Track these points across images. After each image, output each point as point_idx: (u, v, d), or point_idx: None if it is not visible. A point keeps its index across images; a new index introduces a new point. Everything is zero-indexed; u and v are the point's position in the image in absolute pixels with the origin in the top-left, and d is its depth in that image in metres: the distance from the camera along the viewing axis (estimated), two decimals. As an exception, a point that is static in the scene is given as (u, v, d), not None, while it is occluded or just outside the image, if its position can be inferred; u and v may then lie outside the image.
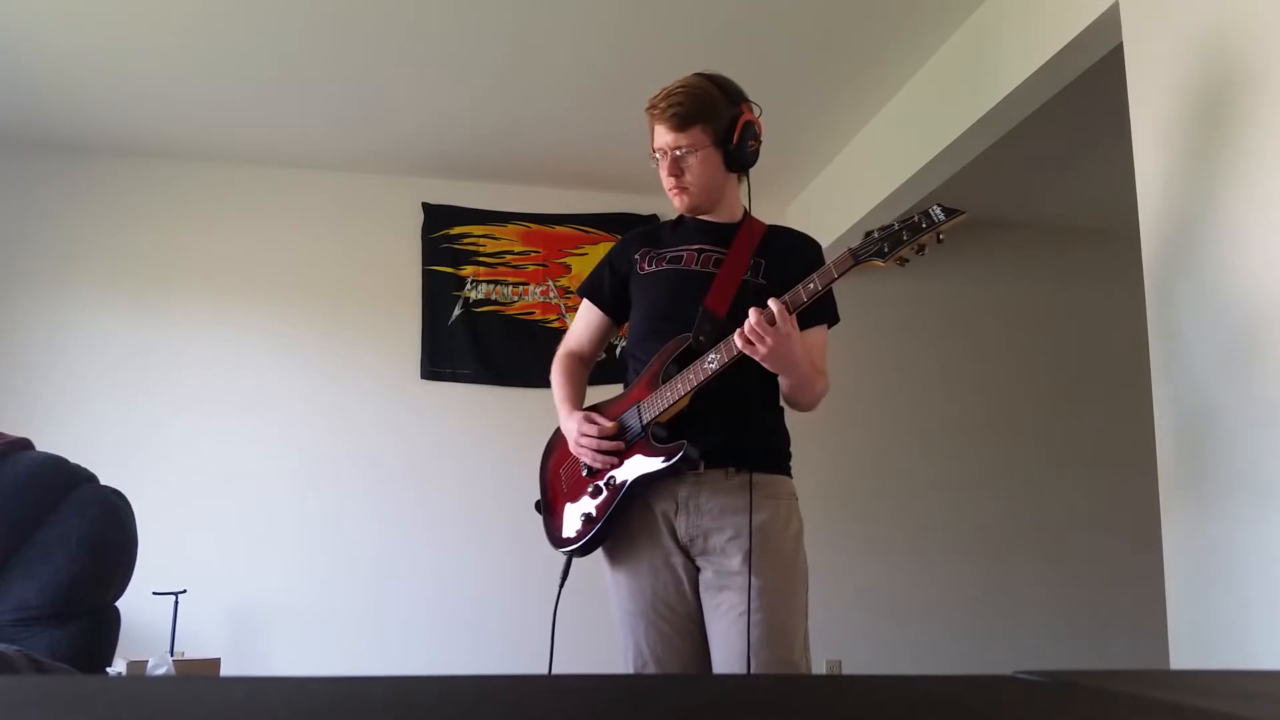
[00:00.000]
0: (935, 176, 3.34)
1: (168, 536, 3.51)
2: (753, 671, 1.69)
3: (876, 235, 1.68)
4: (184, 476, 3.77)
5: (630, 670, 1.85)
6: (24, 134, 3.76)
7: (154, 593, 3.30)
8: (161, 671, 2.49)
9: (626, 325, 2.06)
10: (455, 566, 3.94)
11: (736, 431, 1.82)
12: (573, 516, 1.89)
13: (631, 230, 2.10)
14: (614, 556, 1.88)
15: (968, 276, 4.56)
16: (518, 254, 4.27)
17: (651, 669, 1.82)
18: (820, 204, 4.03)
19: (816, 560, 1.92)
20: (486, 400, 4.11)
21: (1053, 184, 4.22)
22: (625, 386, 1.94)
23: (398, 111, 3.63)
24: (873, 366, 4.33)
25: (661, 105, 1.86)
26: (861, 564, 4.21)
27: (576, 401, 2.01)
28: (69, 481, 2.19)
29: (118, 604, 2.23)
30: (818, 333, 1.88)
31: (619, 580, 1.87)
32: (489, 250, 4.25)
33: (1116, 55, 2.30)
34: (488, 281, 4.22)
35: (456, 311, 4.16)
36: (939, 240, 1.66)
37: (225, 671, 3.14)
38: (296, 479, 3.89)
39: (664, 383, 1.80)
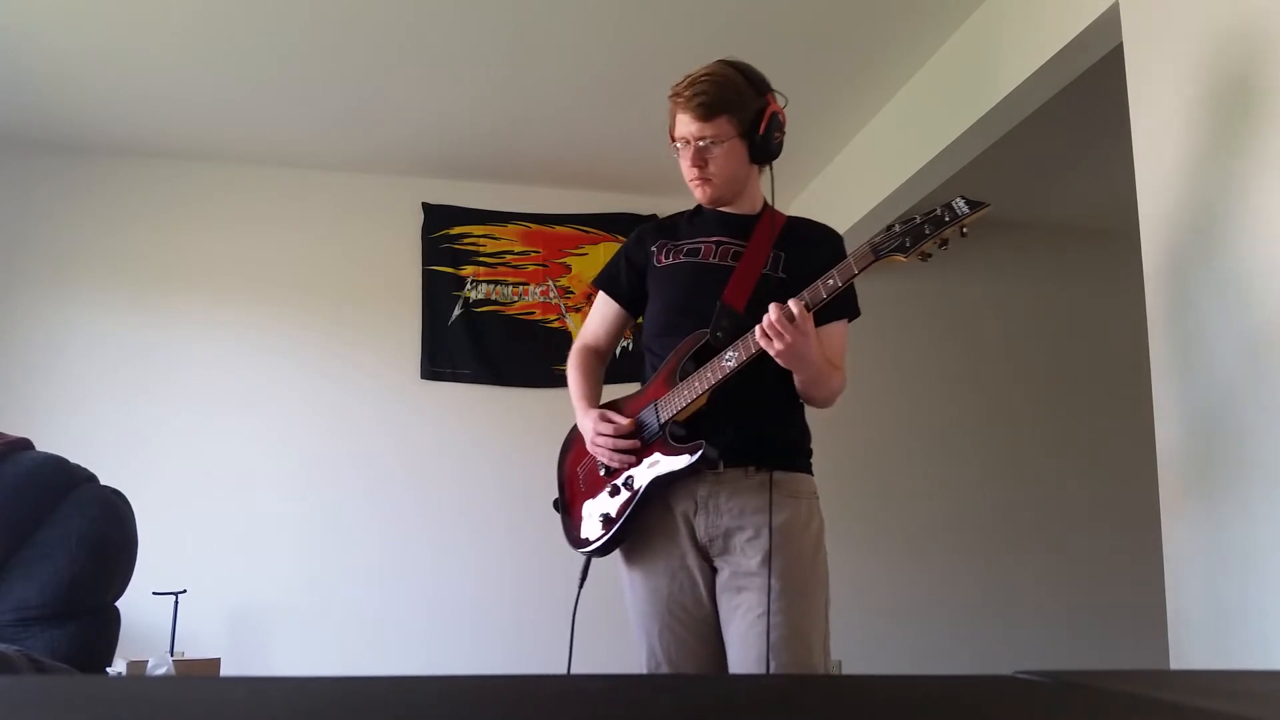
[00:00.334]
0: (935, 176, 3.34)
1: (168, 536, 3.51)
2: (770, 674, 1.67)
3: (898, 229, 1.64)
4: (184, 476, 3.77)
5: (645, 672, 1.83)
6: (24, 134, 3.76)
7: (154, 593, 3.30)
8: (161, 671, 2.49)
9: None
10: (455, 566, 3.94)
11: (756, 429, 1.79)
12: (591, 516, 1.86)
13: (646, 222, 2.05)
14: (631, 557, 1.86)
15: (968, 276, 4.56)
16: (518, 254, 4.27)
17: (665, 670, 1.80)
18: (820, 204, 4.03)
19: (816, 560, 1.91)
20: (486, 400, 4.11)
21: (1053, 184, 4.22)
22: (642, 382, 1.90)
23: (398, 111, 3.62)
24: (872, 366, 4.33)
25: (686, 94, 1.80)
26: (861, 564, 4.21)
27: (593, 398, 1.97)
28: (69, 481, 2.19)
29: (118, 604, 2.23)
30: (837, 327, 1.84)
31: (635, 581, 1.85)
32: (489, 250, 4.25)
33: (1116, 55, 2.30)
34: (488, 281, 4.22)
35: (456, 311, 4.16)
36: (963, 234, 1.62)
37: (225, 671, 3.14)
38: (296, 479, 3.89)
39: (681, 380, 1.77)
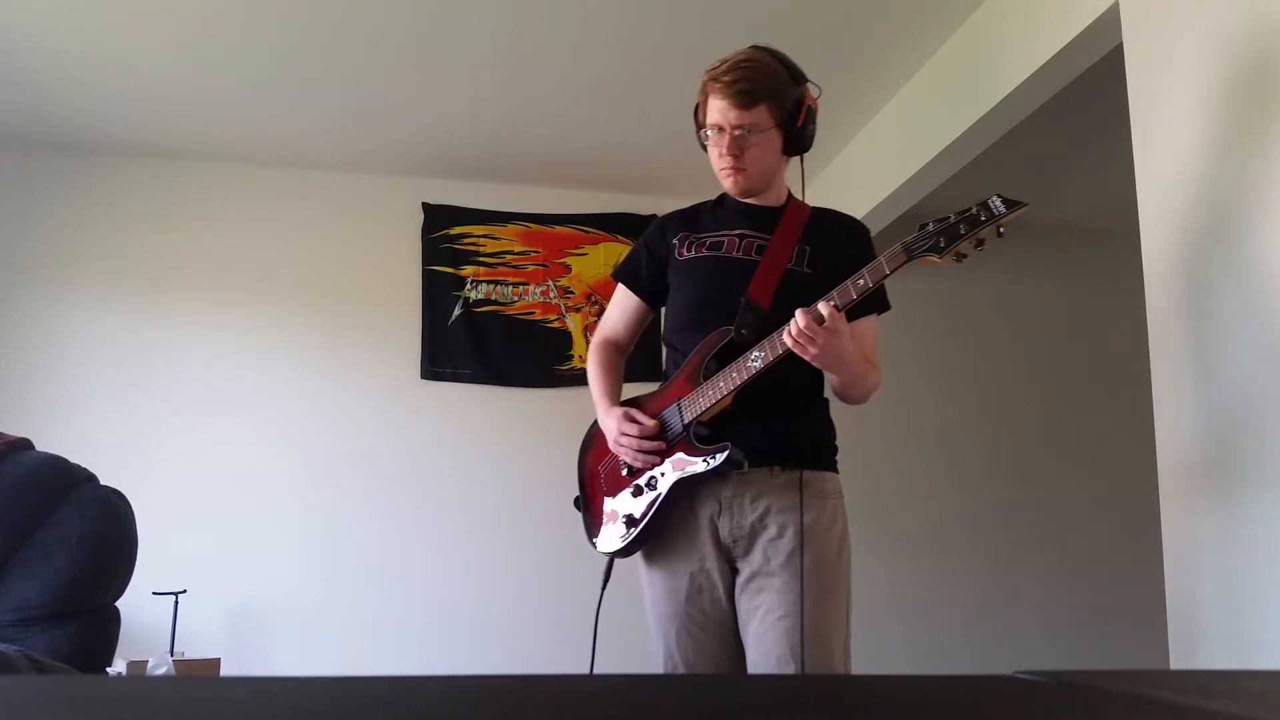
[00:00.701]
0: (935, 176, 3.34)
1: (168, 536, 3.51)
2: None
3: (932, 228, 1.59)
4: (184, 476, 3.77)
5: (661, 673, 1.80)
6: (24, 134, 3.76)
7: (154, 593, 3.30)
8: (161, 671, 2.49)
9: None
10: (455, 566, 3.94)
11: (781, 428, 1.76)
12: (614, 516, 1.83)
13: (652, 218, 2.01)
14: (651, 557, 1.83)
15: (968, 276, 4.55)
16: (518, 254, 4.27)
17: (682, 672, 1.77)
18: (820, 204, 4.03)
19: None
20: (486, 400, 4.11)
21: (1053, 184, 4.22)
22: (663, 378, 1.88)
23: (398, 111, 3.62)
24: (873, 366, 4.32)
25: (727, 79, 1.73)
26: (861, 564, 4.16)
27: (615, 395, 1.92)
28: (69, 481, 2.19)
29: (118, 604, 2.22)
30: (868, 322, 1.80)
31: (654, 581, 1.82)
32: (489, 250, 4.25)
33: (1116, 55, 2.30)
34: (488, 281, 4.22)
35: (456, 311, 4.16)
36: (999, 234, 1.57)
37: (225, 671, 3.14)
38: (296, 479, 3.89)
39: (705, 379, 1.74)
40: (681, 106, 3.47)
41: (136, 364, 3.84)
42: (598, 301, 4.27)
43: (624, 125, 3.73)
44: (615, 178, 4.22)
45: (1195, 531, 1.94)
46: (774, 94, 1.76)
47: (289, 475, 3.89)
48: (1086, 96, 2.86)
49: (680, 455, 1.74)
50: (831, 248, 1.82)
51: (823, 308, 1.59)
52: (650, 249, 1.95)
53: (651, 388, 1.92)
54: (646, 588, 1.84)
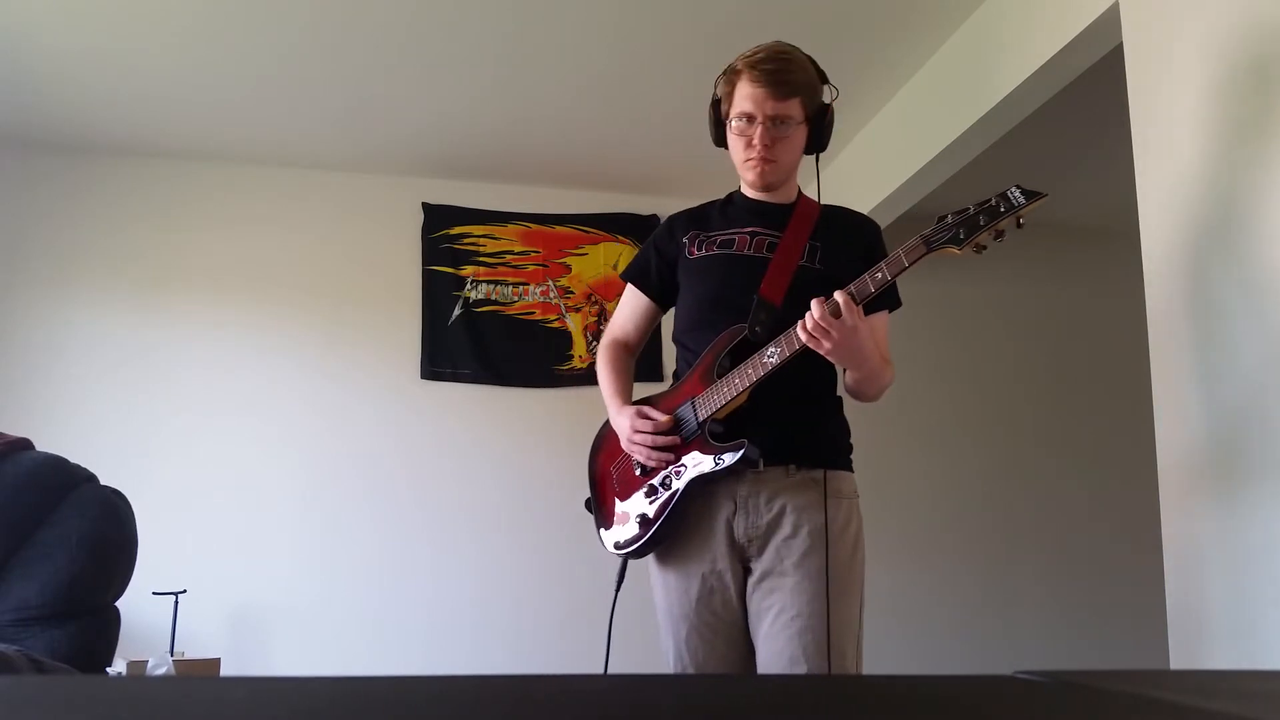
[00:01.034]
0: (935, 176, 3.34)
1: (168, 536, 3.51)
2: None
3: (951, 220, 1.58)
4: (184, 476, 3.77)
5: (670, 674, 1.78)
6: (24, 134, 3.76)
7: (154, 593, 3.30)
8: (161, 671, 2.49)
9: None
10: (455, 566, 3.94)
11: (797, 426, 1.75)
12: (627, 517, 1.80)
13: (674, 213, 1.97)
14: (663, 557, 1.80)
15: (967, 276, 4.56)
16: (518, 254, 4.27)
17: (691, 673, 1.75)
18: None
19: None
20: (486, 400, 4.11)
21: (1053, 184, 4.19)
22: (675, 377, 1.87)
23: (398, 111, 3.62)
24: (873, 366, 4.32)
25: (768, 67, 1.72)
26: (861, 564, 4.21)
27: (626, 395, 1.90)
28: (69, 481, 2.19)
29: (118, 604, 2.22)
30: (879, 318, 1.78)
31: (666, 582, 1.80)
32: (489, 250, 4.25)
33: (1116, 55, 2.30)
34: (488, 281, 4.22)
35: (456, 311, 4.16)
36: (1019, 225, 1.56)
37: (225, 671, 3.14)
38: (296, 479, 3.89)
39: (719, 377, 1.72)
40: (681, 106, 3.50)
41: (136, 364, 3.84)
42: (598, 301, 4.27)
43: (624, 125, 3.73)
44: (615, 178, 4.22)
45: (1195, 531, 1.94)
46: (807, 89, 1.76)
47: (289, 475, 3.89)
48: (1086, 96, 2.86)
49: (695, 454, 1.72)
50: (843, 245, 1.82)
51: (839, 298, 1.58)
52: (659, 248, 1.93)
53: (653, 388, 1.92)
54: (658, 588, 1.82)
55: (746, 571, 1.76)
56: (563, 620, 3.86)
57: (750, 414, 1.71)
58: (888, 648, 4.18)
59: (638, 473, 1.80)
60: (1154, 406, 2.06)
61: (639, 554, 1.80)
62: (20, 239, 3.83)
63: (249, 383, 3.92)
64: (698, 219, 1.92)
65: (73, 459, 2.26)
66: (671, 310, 1.97)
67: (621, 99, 3.53)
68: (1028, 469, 4.52)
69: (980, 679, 0.66)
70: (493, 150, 3.97)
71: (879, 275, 1.59)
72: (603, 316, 4.20)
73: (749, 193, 1.89)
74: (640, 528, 1.77)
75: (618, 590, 1.82)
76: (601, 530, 1.87)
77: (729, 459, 1.68)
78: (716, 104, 1.84)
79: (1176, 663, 1.98)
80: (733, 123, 1.78)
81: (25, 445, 2.24)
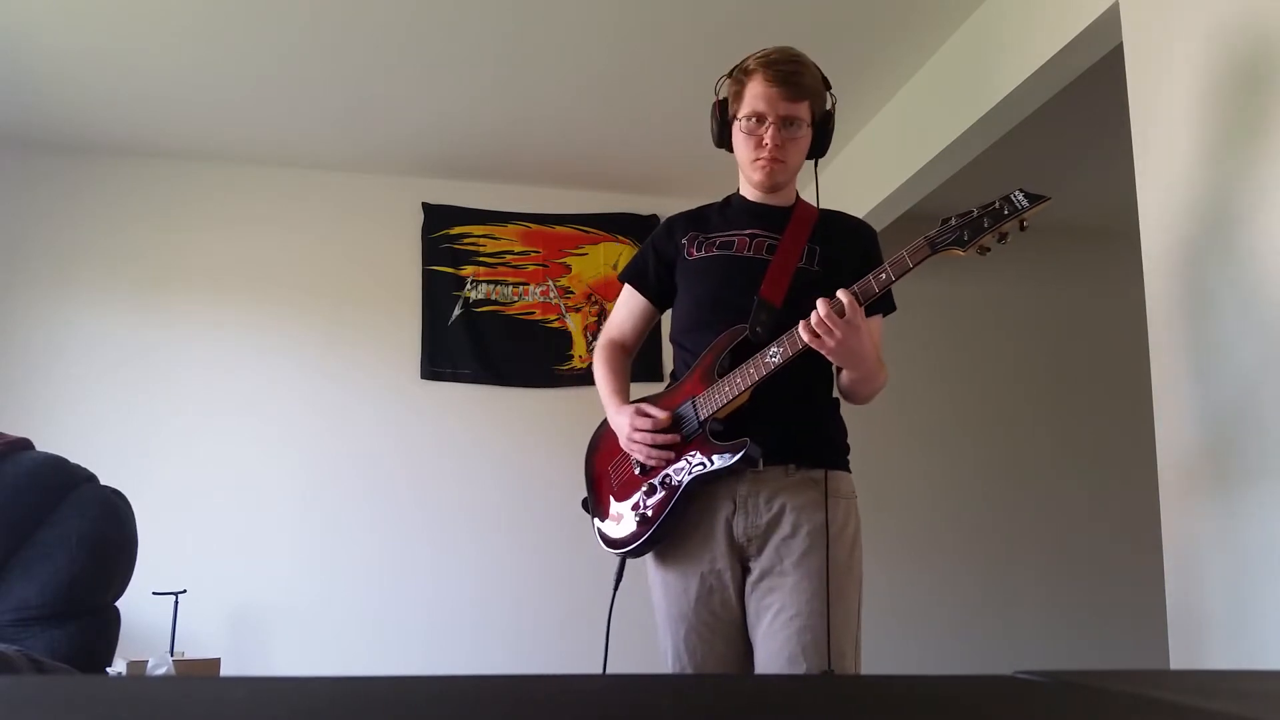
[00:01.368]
0: (935, 176, 3.34)
1: (168, 536, 3.51)
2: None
3: (955, 222, 1.60)
4: (184, 476, 3.77)
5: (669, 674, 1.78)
6: (24, 134, 3.76)
7: (154, 593, 3.30)
8: (161, 671, 2.49)
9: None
10: (455, 566, 3.94)
11: (798, 426, 1.76)
12: (626, 516, 1.80)
13: (673, 215, 1.99)
14: (662, 556, 1.80)
15: (967, 276, 4.56)
16: (518, 254, 4.27)
17: (689, 673, 1.75)
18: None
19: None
20: (486, 400, 4.11)
21: (1053, 184, 4.19)
22: (673, 377, 1.87)
23: (398, 111, 3.62)
24: (873, 366, 4.32)
25: (784, 68, 1.74)
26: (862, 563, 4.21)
27: (624, 395, 1.90)
28: (69, 481, 2.19)
29: (118, 604, 2.22)
30: (874, 322, 1.79)
31: (665, 581, 1.80)
32: (489, 250, 4.25)
33: (1116, 55, 2.30)
34: (488, 281, 4.22)
35: (456, 311, 4.16)
36: (1022, 227, 1.59)
37: (225, 671, 3.14)
38: (296, 479, 3.89)
39: (720, 377, 1.72)
40: (681, 106, 3.51)
41: (136, 364, 3.84)
42: (598, 301, 4.27)
43: (624, 125, 3.73)
44: (615, 178, 4.22)
45: (1195, 531, 1.94)
46: (815, 94, 1.79)
47: (289, 475, 3.89)
48: (1086, 96, 2.86)
49: (696, 453, 1.73)
50: (841, 248, 1.83)
51: (843, 297, 1.59)
52: (658, 249, 1.94)
53: (653, 388, 1.92)
54: (657, 588, 1.82)
55: (745, 571, 1.76)
56: (563, 620, 3.86)
57: (751, 413, 1.71)
58: (888, 648, 4.19)
59: (637, 472, 1.80)
60: (1154, 406, 2.06)
61: (637, 553, 1.80)
62: (20, 239, 3.83)
63: (249, 383, 3.92)
64: (697, 220, 1.92)
65: (73, 459, 2.26)
66: (669, 311, 1.97)
67: (621, 99, 3.53)
68: (1028, 469, 4.52)
69: (980, 679, 0.66)
70: (493, 150, 3.97)
71: (883, 276, 1.61)
72: (603, 316, 4.20)
73: (748, 195, 1.90)
74: (639, 526, 1.77)
75: (615, 590, 1.82)
76: (599, 530, 1.87)
77: (731, 458, 1.68)
78: (722, 104, 1.85)
79: (1176, 663, 1.98)
80: (742, 122, 1.79)
81: (25, 445, 2.24)
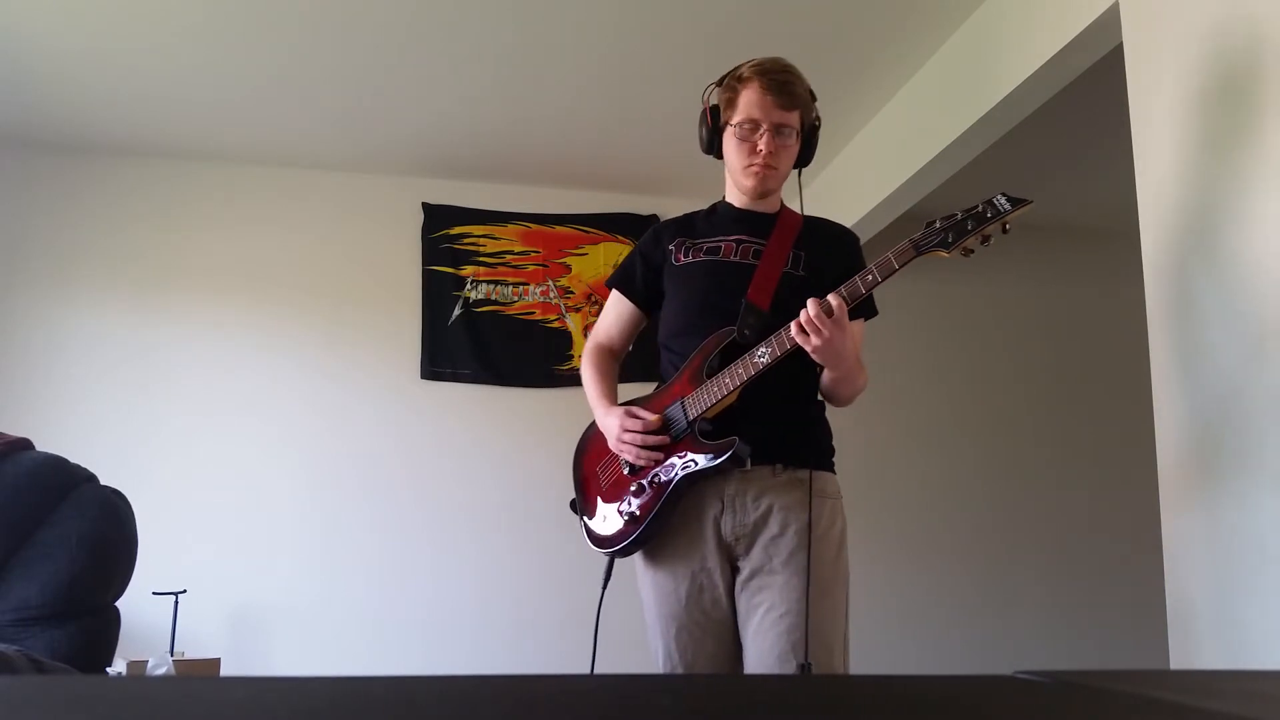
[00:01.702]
0: (935, 176, 3.33)
1: (168, 536, 3.51)
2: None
3: (939, 225, 1.64)
4: (184, 476, 3.77)
5: (660, 673, 1.80)
6: (24, 134, 3.76)
7: (154, 593, 3.30)
8: (161, 671, 2.49)
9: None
10: (455, 566, 3.94)
11: (783, 427, 1.79)
12: (614, 516, 1.82)
13: (652, 222, 2.05)
14: (652, 556, 1.83)
15: (966, 277, 4.56)
16: (518, 254, 4.27)
17: (681, 672, 1.77)
18: (819, 204, 4.02)
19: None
20: (486, 400, 4.11)
21: (1053, 184, 4.22)
22: (661, 380, 1.89)
23: (398, 111, 3.62)
24: (872, 366, 4.30)
25: (779, 77, 1.79)
26: (860, 564, 4.17)
27: (612, 397, 1.94)
28: (69, 481, 2.19)
29: (118, 604, 2.23)
30: (856, 325, 1.81)
31: (655, 581, 1.82)
32: (489, 250, 4.25)
33: (1116, 55, 2.30)
34: (488, 281, 4.22)
35: (456, 311, 4.16)
36: (1005, 230, 1.62)
37: (225, 671, 3.14)
38: (296, 479, 3.89)
39: (709, 378, 1.75)
40: (681, 106, 3.49)
41: (136, 364, 3.84)
42: (598, 302, 4.27)
43: (624, 125, 3.73)
44: (615, 178, 4.22)
45: (1195, 531, 1.94)
46: (805, 104, 1.84)
47: (289, 475, 3.89)
48: (1086, 96, 2.86)
49: (685, 452, 1.75)
50: (825, 253, 1.87)
51: (832, 299, 1.63)
52: (645, 255, 1.97)
53: (650, 389, 1.92)
54: (647, 588, 1.84)
55: (734, 570, 1.79)
56: (563, 620, 3.86)
57: (741, 413, 1.75)
58: (888, 648, 4.19)
59: (626, 472, 1.83)
60: (1154, 406, 2.06)
61: (626, 552, 1.83)
62: (20, 239, 3.83)
63: (249, 383, 3.92)
64: (684, 227, 1.96)
65: (73, 459, 2.26)
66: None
67: (621, 99, 3.53)
68: (1027, 469, 4.52)
69: (980, 679, 0.66)
70: (493, 150, 3.97)
71: (869, 277, 1.65)
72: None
73: (735, 202, 1.94)
74: (627, 526, 1.80)
75: (604, 589, 1.84)
76: (588, 529, 1.89)
77: (718, 457, 1.71)
78: (713, 111, 1.88)
79: (1176, 662, 1.98)
80: (735, 128, 1.83)
81: (25, 445, 2.24)
